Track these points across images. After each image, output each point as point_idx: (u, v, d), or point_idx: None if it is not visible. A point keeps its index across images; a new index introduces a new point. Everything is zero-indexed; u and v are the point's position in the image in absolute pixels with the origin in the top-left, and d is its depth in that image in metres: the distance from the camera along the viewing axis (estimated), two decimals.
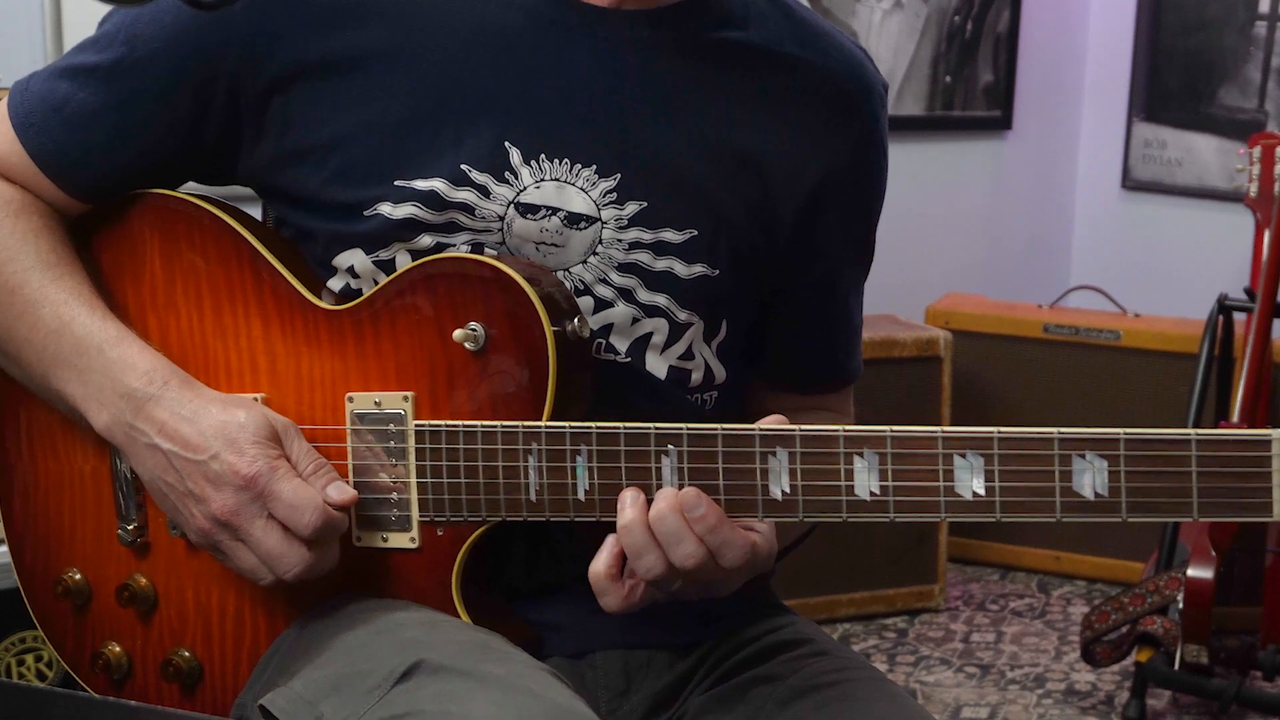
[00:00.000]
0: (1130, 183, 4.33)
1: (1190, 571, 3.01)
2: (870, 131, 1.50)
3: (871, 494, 1.25)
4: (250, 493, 1.29)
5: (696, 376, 1.45)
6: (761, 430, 1.27)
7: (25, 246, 1.39)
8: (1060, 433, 1.21)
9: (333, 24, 1.37)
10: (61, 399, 1.38)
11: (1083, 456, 1.21)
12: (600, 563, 1.28)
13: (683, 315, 1.42)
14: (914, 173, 4.04)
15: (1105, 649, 3.15)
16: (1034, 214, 4.40)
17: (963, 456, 1.23)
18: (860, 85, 1.49)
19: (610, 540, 1.28)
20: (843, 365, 1.58)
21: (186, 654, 1.43)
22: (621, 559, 1.28)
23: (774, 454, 1.26)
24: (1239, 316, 3.35)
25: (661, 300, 1.41)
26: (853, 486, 1.25)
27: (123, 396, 1.33)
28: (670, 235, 1.40)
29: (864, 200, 1.53)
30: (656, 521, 1.26)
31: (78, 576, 1.47)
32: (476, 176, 1.37)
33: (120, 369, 1.34)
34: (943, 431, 1.23)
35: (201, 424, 1.31)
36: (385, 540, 1.36)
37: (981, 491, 1.23)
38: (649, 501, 1.27)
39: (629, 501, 1.27)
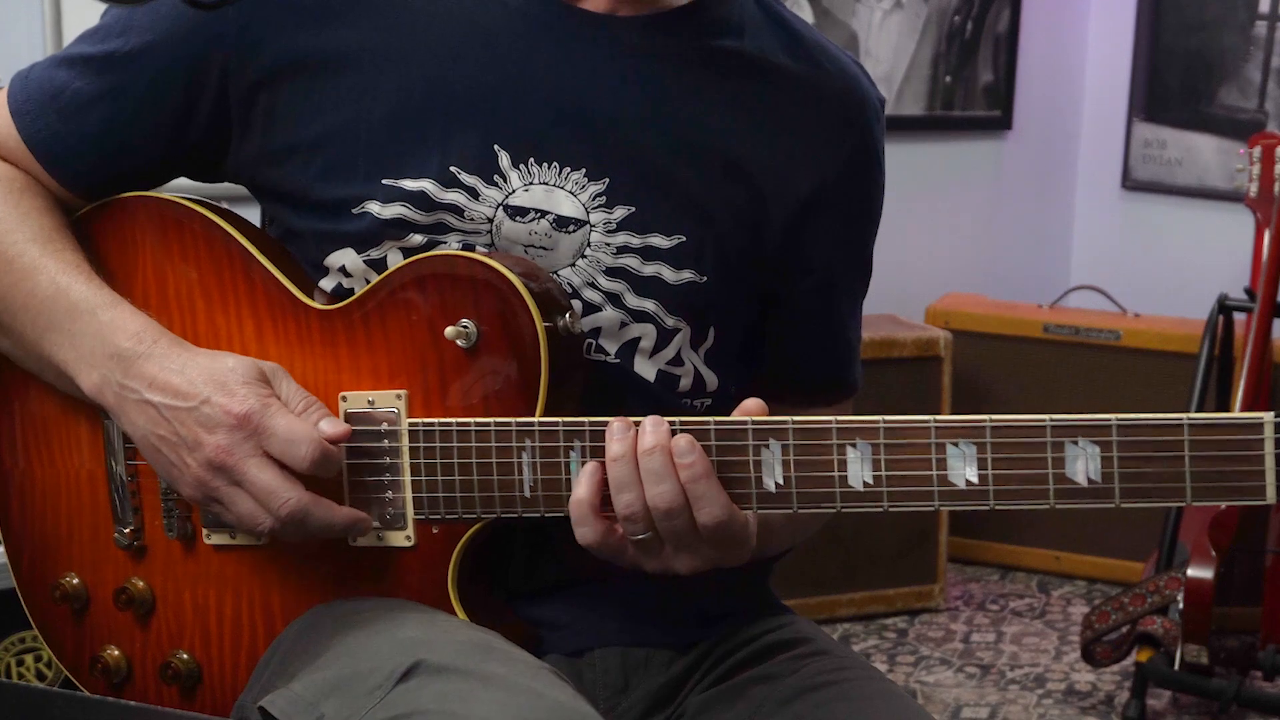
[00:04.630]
0: (1130, 183, 4.32)
1: (1190, 571, 3.01)
2: (865, 145, 1.49)
3: (865, 484, 1.25)
4: (244, 431, 1.29)
5: (685, 383, 1.45)
6: (754, 423, 1.27)
7: (27, 221, 1.40)
8: (1053, 419, 1.21)
9: (322, 21, 1.38)
10: (52, 365, 1.38)
11: (1075, 443, 1.21)
12: (582, 489, 1.27)
13: (670, 321, 1.42)
14: (914, 173, 4.03)
15: (1105, 649, 3.15)
16: (1034, 214, 4.40)
17: (955, 445, 1.23)
18: (855, 98, 1.49)
19: (592, 467, 1.28)
20: (840, 376, 1.57)
21: (185, 656, 1.43)
22: (603, 488, 1.27)
23: (767, 445, 1.26)
24: (1239, 316, 3.34)
25: (650, 306, 1.41)
26: (846, 477, 1.25)
27: (112, 357, 1.34)
28: (658, 240, 1.40)
29: (857, 213, 1.52)
30: (644, 456, 1.25)
31: (75, 581, 1.47)
32: (465, 179, 1.37)
33: (111, 331, 1.35)
34: (935, 420, 1.23)
35: (190, 373, 1.31)
36: (381, 539, 1.36)
37: (975, 480, 1.23)
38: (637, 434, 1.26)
39: (619, 434, 1.27)
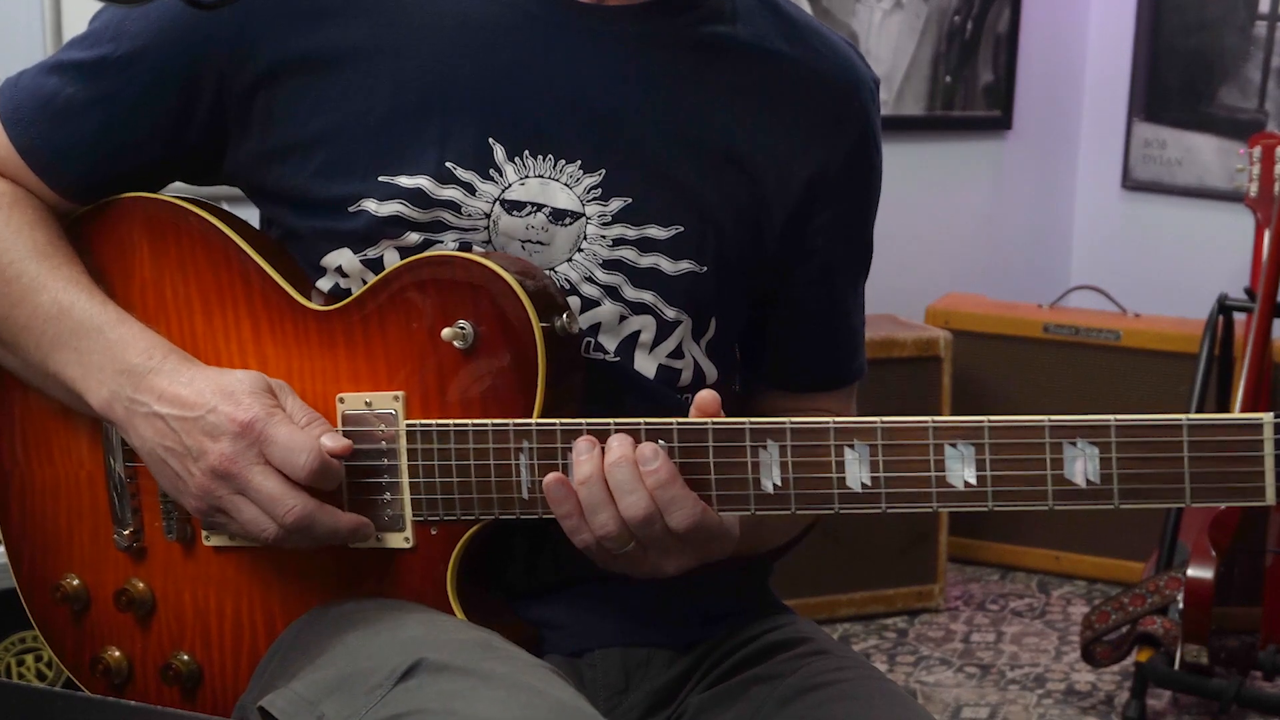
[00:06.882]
0: (1130, 183, 4.33)
1: (1190, 571, 3.01)
2: (863, 130, 1.49)
3: (863, 485, 1.25)
4: (247, 439, 1.29)
5: (686, 375, 1.45)
6: (752, 424, 1.26)
7: (20, 237, 1.40)
8: (1051, 420, 1.21)
9: (317, 21, 1.38)
10: (59, 382, 1.38)
11: (1074, 444, 1.21)
12: (565, 505, 1.27)
13: (671, 313, 1.42)
14: (914, 173, 4.03)
15: (1105, 649, 3.15)
16: (1034, 214, 4.40)
17: (954, 446, 1.23)
18: (851, 82, 1.48)
19: (559, 479, 1.27)
20: (842, 366, 1.57)
21: (186, 657, 1.43)
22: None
23: (764, 447, 1.26)
24: (1239, 316, 3.34)
25: (648, 297, 1.41)
26: (844, 478, 1.25)
27: (122, 372, 1.34)
28: (655, 231, 1.40)
29: (858, 199, 1.52)
30: (611, 470, 1.25)
31: (75, 582, 1.47)
32: (461, 174, 1.37)
33: (121, 348, 1.35)
34: (933, 421, 1.23)
35: (198, 384, 1.32)
36: (379, 540, 1.36)
37: (973, 481, 1.23)
38: (603, 451, 1.26)
39: (585, 454, 1.27)
